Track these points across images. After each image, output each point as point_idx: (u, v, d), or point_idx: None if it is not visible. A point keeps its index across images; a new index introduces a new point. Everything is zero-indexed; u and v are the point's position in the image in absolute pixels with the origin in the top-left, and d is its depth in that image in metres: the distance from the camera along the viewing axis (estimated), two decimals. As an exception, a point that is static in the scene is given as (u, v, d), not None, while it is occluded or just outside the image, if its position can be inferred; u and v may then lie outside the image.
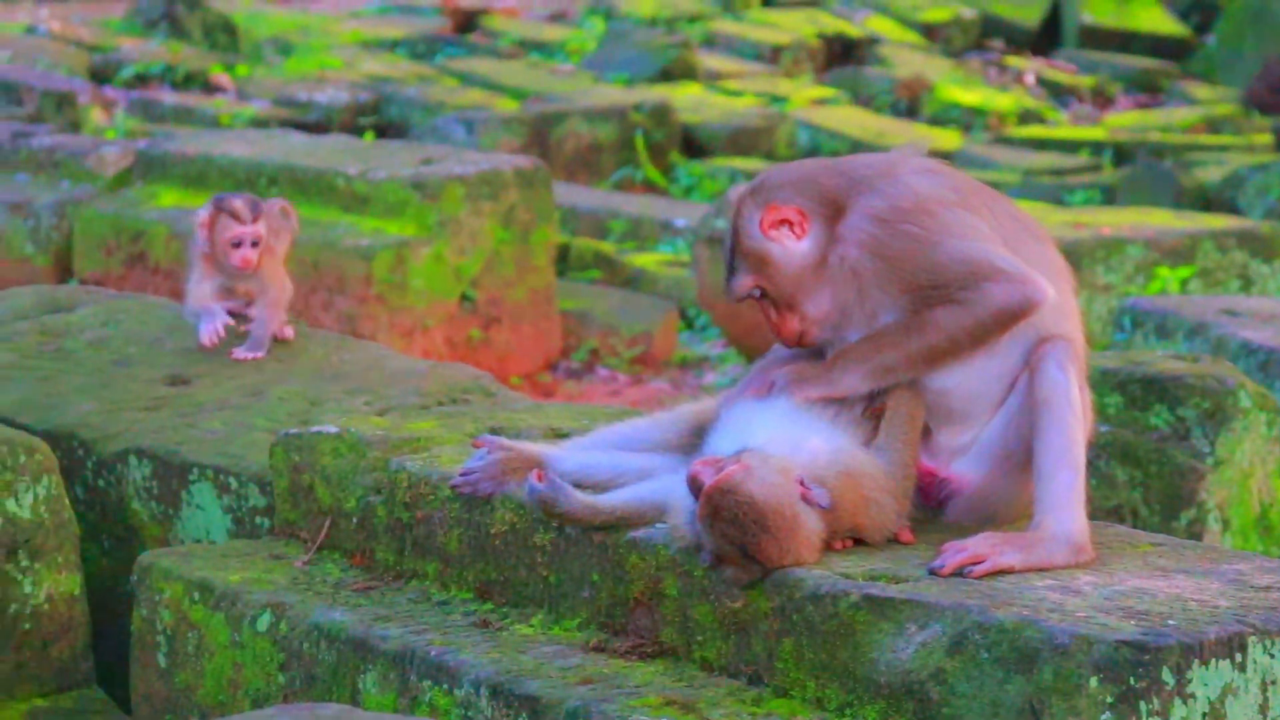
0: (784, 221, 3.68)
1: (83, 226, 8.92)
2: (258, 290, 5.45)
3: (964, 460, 3.73)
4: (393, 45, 17.52)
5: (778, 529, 3.47)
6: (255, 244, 5.34)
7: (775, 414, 3.68)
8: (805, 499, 3.50)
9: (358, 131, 13.58)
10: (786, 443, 3.58)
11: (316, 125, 13.61)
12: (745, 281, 3.72)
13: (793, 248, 3.69)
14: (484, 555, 4.01)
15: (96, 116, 13.00)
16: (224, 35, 16.37)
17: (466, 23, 18.49)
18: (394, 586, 4.14)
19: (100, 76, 15.14)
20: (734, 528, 3.47)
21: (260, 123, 13.52)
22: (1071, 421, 3.59)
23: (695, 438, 3.82)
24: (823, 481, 3.53)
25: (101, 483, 5.00)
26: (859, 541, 3.65)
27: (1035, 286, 3.61)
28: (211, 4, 17.19)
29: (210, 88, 15.14)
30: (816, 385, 3.68)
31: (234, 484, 4.78)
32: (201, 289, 5.46)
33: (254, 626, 4.10)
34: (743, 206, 3.73)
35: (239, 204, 5.34)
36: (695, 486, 3.51)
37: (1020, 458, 3.65)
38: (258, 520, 4.74)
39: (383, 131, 14.02)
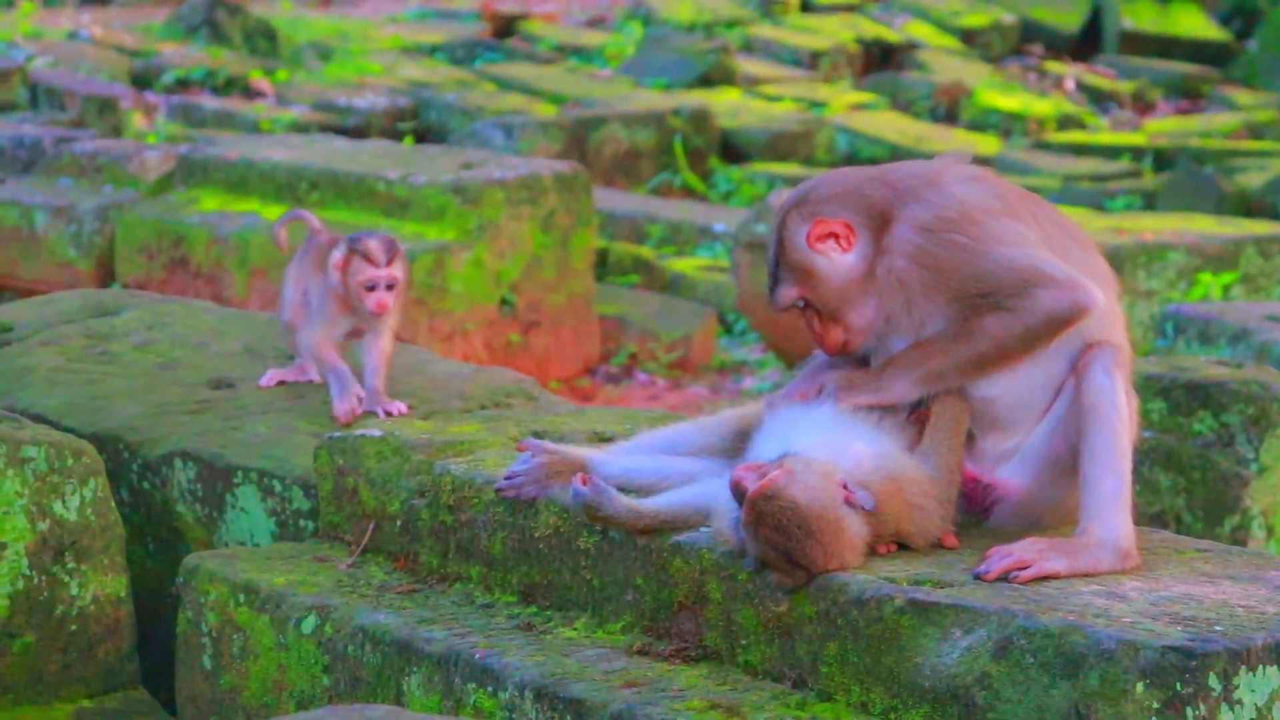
0: (831, 235, 3.68)
1: (124, 231, 8.97)
2: (371, 336, 5.20)
3: (1009, 466, 3.72)
4: (432, 50, 17.56)
5: (821, 533, 3.47)
6: (390, 287, 5.10)
7: (820, 419, 3.68)
8: (849, 502, 3.50)
9: (397, 136, 13.62)
10: (831, 447, 3.59)
11: (356, 130, 13.65)
12: (790, 293, 3.72)
13: (839, 260, 3.68)
14: (528, 558, 4.02)
15: (138, 121, 13.07)
16: (264, 40, 16.44)
17: (505, 28, 18.52)
18: (438, 589, 4.15)
19: (142, 82, 15.21)
20: (778, 533, 3.47)
21: (300, 128, 13.56)
22: (1118, 427, 3.59)
23: (739, 442, 3.82)
24: (867, 485, 3.53)
25: (147, 485, 5.03)
26: (903, 546, 3.65)
27: (1085, 292, 3.61)
28: (252, 9, 17.26)
29: (250, 93, 15.20)
30: (865, 392, 3.68)
31: (278, 487, 4.80)
32: (326, 333, 5.18)
33: (299, 629, 4.12)
34: (788, 218, 3.72)
35: (374, 245, 5.09)
36: (738, 492, 3.51)
37: (1066, 464, 3.64)
38: (302, 523, 4.76)
39: (421, 136, 14.05)
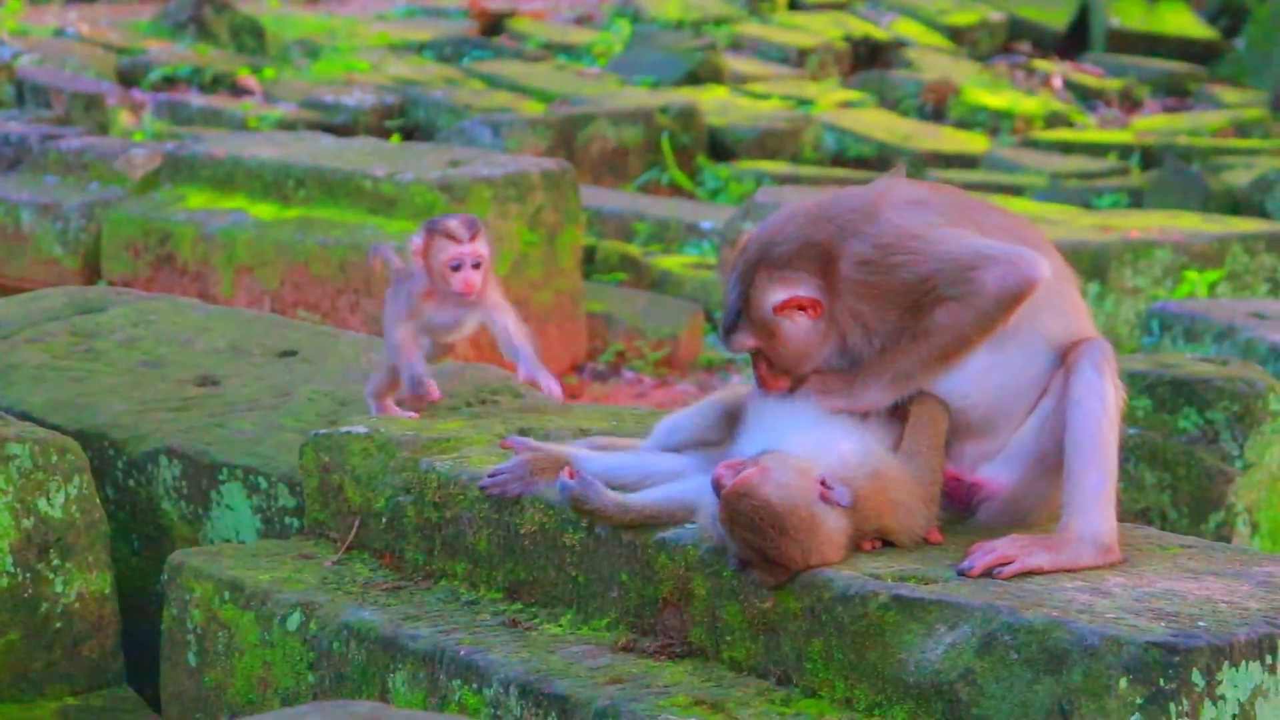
0: (800, 308, 3.70)
1: (111, 228, 8.96)
2: (488, 320, 4.84)
3: (995, 464, 3.72)
4: (419, 48, 17.55)
5: (795, 530, 3.47)
6: (477, 266, 4.74)
7: (806, 414, 3.69)
8: (825, 498, 3.50)
9: (384, 134, 13.61)
10: (816, 444, 3.59)
11: (343, 128, 13.64)
12: (746, 343, 3.75)
13: (803, 324, 3.71)
14: (513, 555, 4.02)
15: (124, 119, 13.06)
16: (251, 38, 16.42)
17: (493, 25, 18.52)
18: (423, 586, 4.15)
19: (128, 79, 15.20)
20: (752, 532, 3.48)
21: (287, 125, 13.55)
22: (1104, 422, 3.59)
23: (728, 428, 3.83)
24: (849, 483, 3.54)
25: (132, 482, 5.02)
26: (887, 543, 3.65)
27: (1029, 263, 3.60)
28: (239, 7, 17.25)
29: (237, 90, 15.19)
30: (839, 398, 3.70)
31: (264, 484, 4.79)
32: (404, 329, 4.83)
33: (284, 626, 4.12)
34: (756, 277, 3.71)
35: (454, 223, 4.75)
36: (718, 490, 3.52)
37: (1053, 460, 3.65)
38: (287, 520, 4.75)
39: (409, 134, 14.05)
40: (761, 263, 3.74)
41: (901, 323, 3.65)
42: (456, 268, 4.73)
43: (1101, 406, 3.60)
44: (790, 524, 3.46)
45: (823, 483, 3.51)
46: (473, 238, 4.73)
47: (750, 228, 4.53)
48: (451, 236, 4.72)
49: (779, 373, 3.76)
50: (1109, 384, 3.62)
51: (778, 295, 3.69)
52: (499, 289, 4.87)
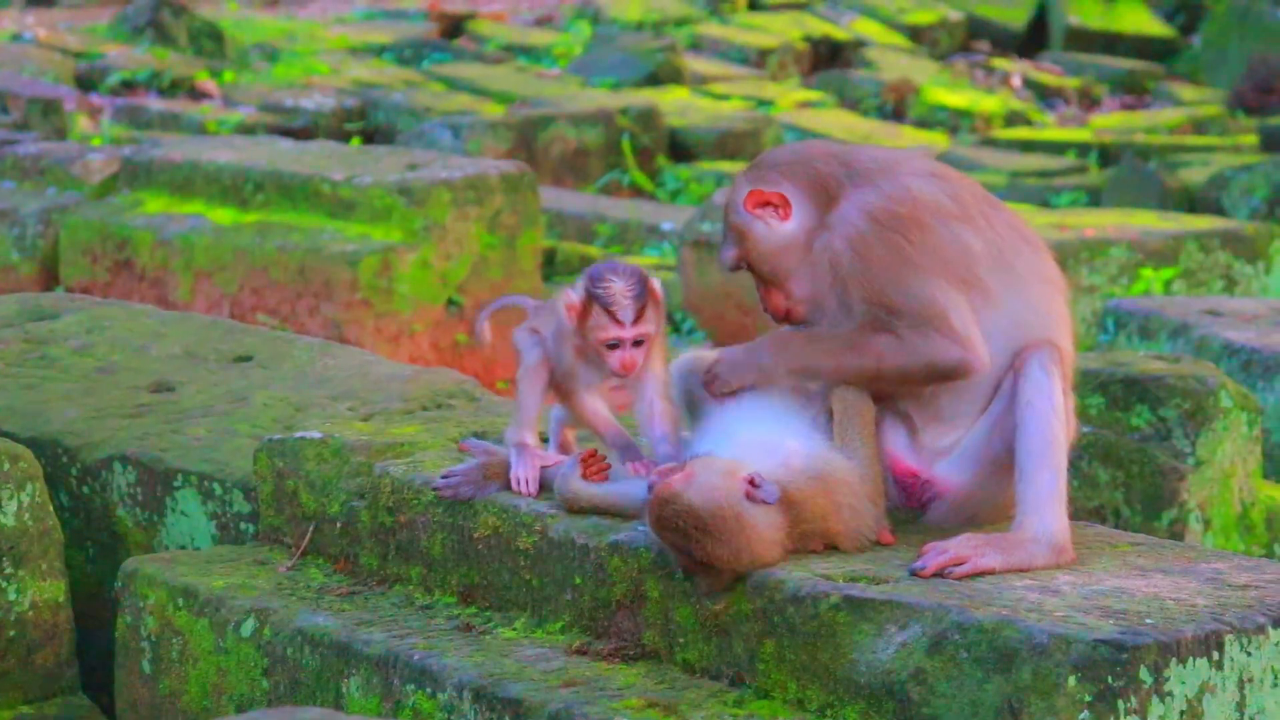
0: (767, 203, 3.72)
1: (68, 234, 8.92)
2: (638, 393, 4.01)
3: (948, 463, 3.74)
4: (379, 51, 17.52)
5: (721, 532, 3.48)
6: (639, 344, 3.93)
7: (757, 414, 3.70)
8: (750, 497, 3.50)
9: (344, 137, 13.59)
10: (762, 444, 3.60)
11: (303, 131, 13.61)
12: (730, 253, 3.81)
13: (776, 228, 3.73)
14: (467, 559, 4.03)
15: (82, 123, 13.01)
16: (210, 41, 16.37)
17: (453, 28, 18.50)
18: (377, 591, 4.15)
19: (86, 83, 15.13)
20: (678, 535, 3.50)
21: (247, 129, 13.52)
22: (1054, 423, 3.61)
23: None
24: (787, 483, 3.54)
25: (86, 489, 5.01)
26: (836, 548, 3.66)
27: (975, 355, 3.64)
28: (198, 10, 17.19)
29: (196, 94, 15.13)
30: (746, 372, 3.73)
31: (218, 490, 4.78)
32: (542, 368, 4.09)
33: (238, 632, 4.11)
34: (737, 181, 3.81)
35: (618, 293, 3.90)
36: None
37: (1004, 461, 3.67)
38: (242, 526, 4.74)
39: (369, 137, 14.02)
40: (746, 171, 3.82)
41: (857, 306, 3.64)
42: (613, 347, 3.94)
43: (1051, 408, 3.61)
44: (714, 526, 3.47)
45: (750, 481, 3.51)
46: (638, 318, 3.90)
47: (709, 229, 4.55)
48: (612, 314, 3.90)
49: (770, 288, 3.77)
50: (1058, 385, 3.64)
51: (744, 191, 3.74)
52: (662, 355, 4.03)
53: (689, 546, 3.49)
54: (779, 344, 3.74)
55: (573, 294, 3.96)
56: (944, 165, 3.83)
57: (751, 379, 3.73)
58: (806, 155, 3.77)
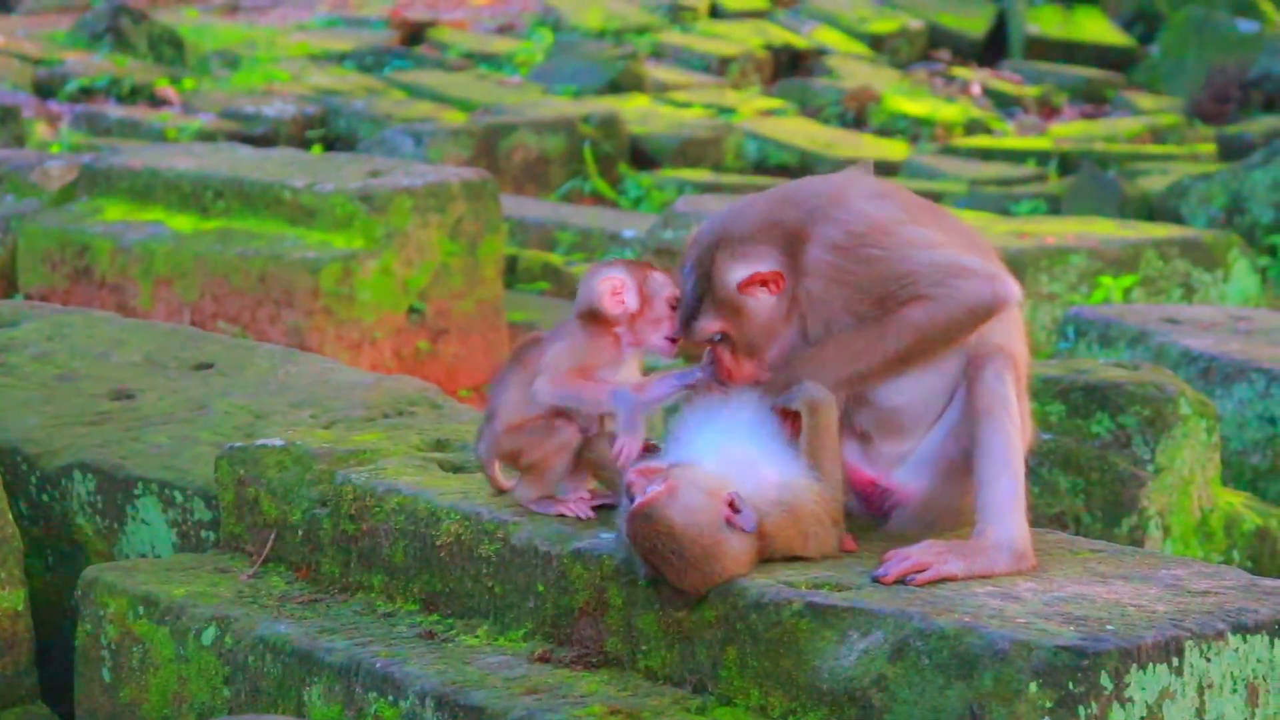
0: (763, 283, 3.69)
1: (27, 241, 8.88)
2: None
3: (906, 470, 3.75)
4: (340, 58, 17.50)
5: (697, 560, 3.48)
6: None
7: (738, 425, 3.68)
8: (730, 521, 3.50)
9: (305, 144, 13.56)
10: (739, 463, 3.59)
11: (263, 138, 13.58)
12: (711, 326, 3.72)
13: (766, 302, 3.70)
14: (429, 567, 4.02)
15: (41, 130, 12.94)
16: (170, 49, 16.31)
17: (414, 35, 18.48)
18: (339, 599, 4.14)
19: (45, 90, 15.07)
20: (654, 555, 3.49)
21: (207, 136, 13.48)
22: (1011, 430, 3.63)
23: None
24: (761, 512, 3.54)
25: (45, 497, 4.98)
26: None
27: (1004, 284, 3.65)
28: (157, 17, 17.14)
29: (156, 101, 15.08)
30: (784, 394, 3.67)
31: (179, 498, 4.77)
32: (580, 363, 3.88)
33: (199, 640, 4.09)
34: (716, 257, 3.70)
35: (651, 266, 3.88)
36: (629, 497, 3.52)
37: (961, 467, 3.68)
38: (203, 534, 4.73)
39: (330, 144, 14.00)
40: (721, 243, 3.72)
41: (867, 313, 3.65)
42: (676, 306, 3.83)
43: (1007, 414, 3.63)
44: (690, 553, 3.47)
45: (731, 504, 3.51)
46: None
47: (671, 236, 4.53)
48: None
49: (744, 358, 3.72)
50: (1012, 392, 3.65)
51: (740, 272, 3.68)
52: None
53: (662, 567, 3.49)
54: (815, 362, 3.68)
55: (607, 276, 3.85)
56: (887, 181, 3.84)
57: (786, 402, 3.66)
58: (769, 214, 3.73)
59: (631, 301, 3.83)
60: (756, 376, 3.74)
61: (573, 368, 3.86)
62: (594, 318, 3.87)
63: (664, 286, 3.85)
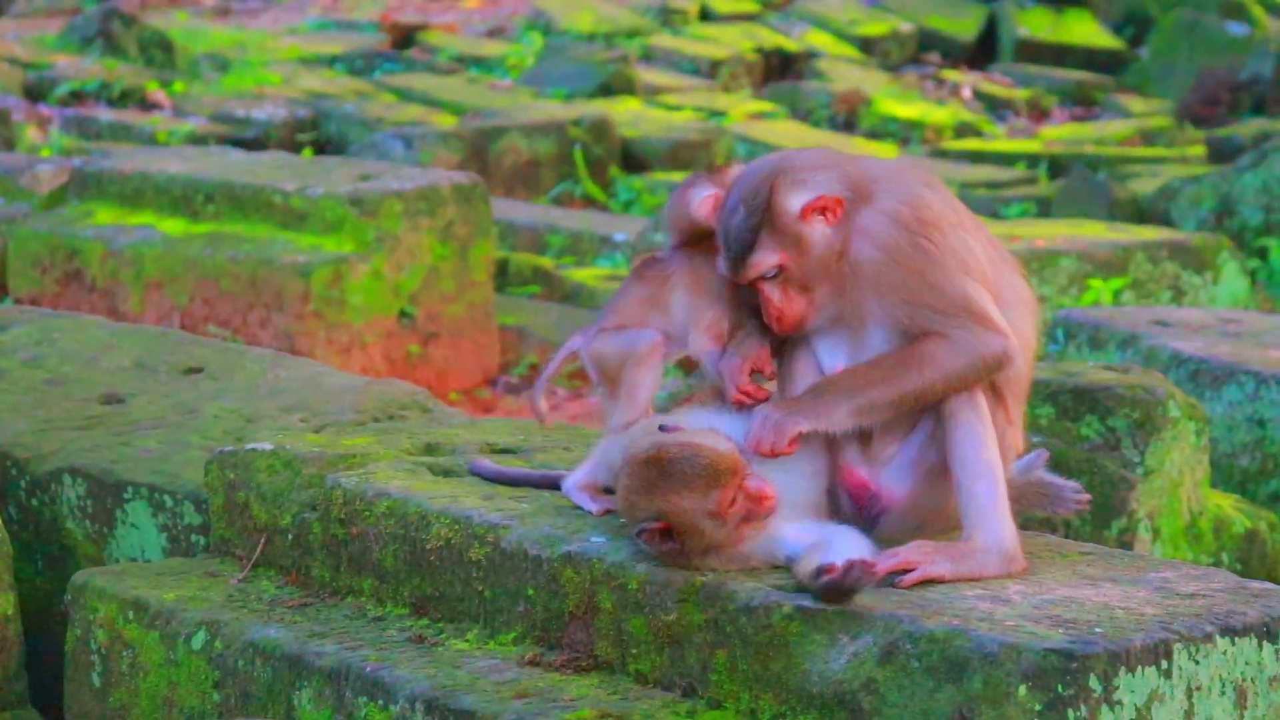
0: (824, 209, 3.65)
1: (17, 245, 8.87)
2: None
3: (890, 474, 3.75)
4: (331, 61, 17.49)
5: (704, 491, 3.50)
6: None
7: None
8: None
9: (296, 148, 13.55)
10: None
11: (254, 142, 13.58)
12: (769, 259, 3.64)
13: (824, 232, 3.65)
14: (419, 571, 4.02)
15: (31, 134, 12.93)
16: (160, 52, 16.30)
17: (405, 38, 18.48)
18: (329, 603, 4.14)
19: (35, 94, 15.05)
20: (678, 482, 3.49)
21: (197, 140, 13.47)
22: (980, 431, 3.62)
23: None
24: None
25: (35, 502, 4.98)
26: None
27: (1013, 344, 3.66)
28: (148, 21, 17.13)
29: (147, 105, 15.07)
30: (807, 418, 3.63)
31: (169, 502, 4.76)
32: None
33: (189, 645, 4.09)
34: (777, 184, 3.65)
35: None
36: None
37: (941, 470, 3.68)
38: (193, 538, 4.73)
39: (321, 148, 14.00)
40: (781, 172, 3.65)
41: (893, 313, 3.62)
42: None
43: (977, 416, 3.63)
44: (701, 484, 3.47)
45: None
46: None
47: (661, 238, 4.49)
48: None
49: (796, 296, 3.65)
50: (979, 393, 3.65)
51: (803, 196, 3.64)
52: None
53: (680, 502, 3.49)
54: (830, 388, 3.65)
55: (696, 192, 3.77)
56: (934, 177, 3.83)
57: (809, 426, 3.63)
58: (832, 160, 3.72)
59: None
60: (804, 319, 3.67)
61: (713, 322, 3.82)
62: (696, 234, 3.78)
63: None
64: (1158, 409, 5.29)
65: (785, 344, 3.77)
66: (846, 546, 3.49)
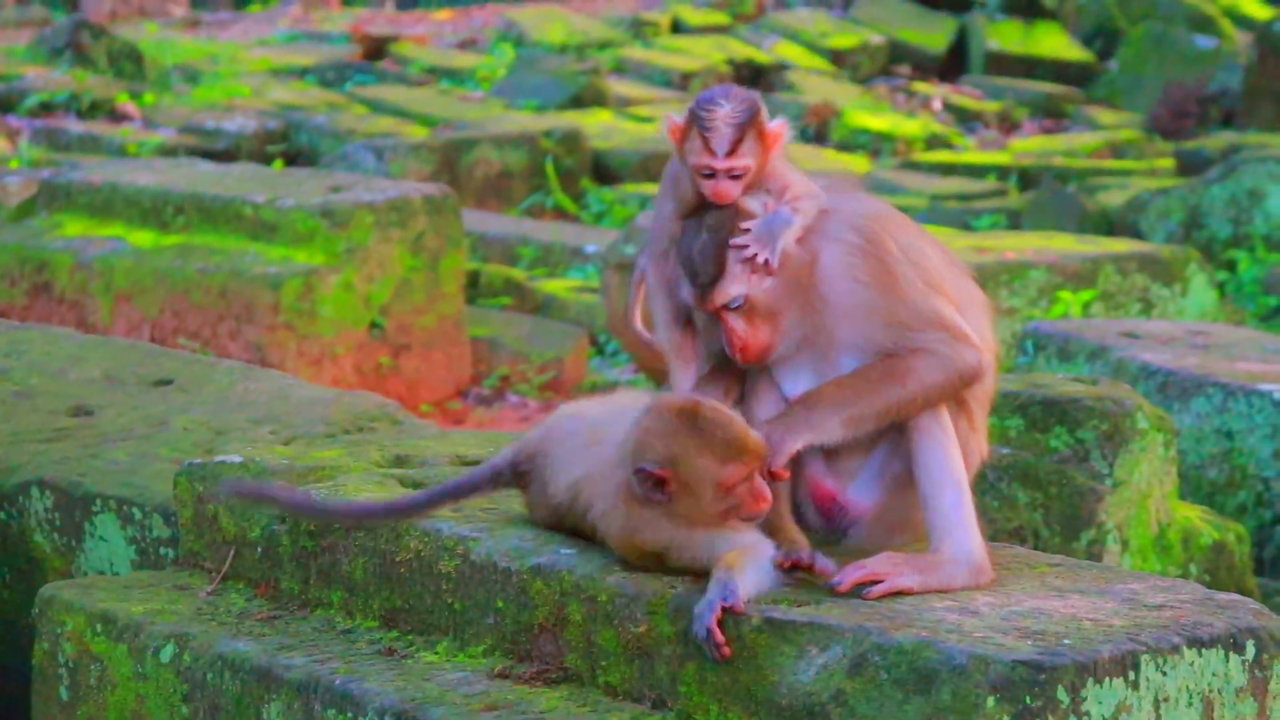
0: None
1: (-14, 256, 8.85)
2: None
3: (857, 485, 3.75)
4: (302, 73, 17.48)
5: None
6: (737, 177, 3.68)
7: None
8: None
9: (266, 159, 13.54)
10: None
11: (224, 153, 13.56)
12: (736, 289, 3.63)
13: (794, 253, 3.66)
14: (389, 583, 4.01)
15: (0, 146, 12.89)
16: (130, 63, 16.27)
17: (376, 50, 18.48)
18: (299, 615, 4.13)
19: (4, 105, 15.01)
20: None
21: (168, 151, 13.45)
22: (944, 441, 3.62)
23: None
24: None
25: (2, 515, 4.96)
26: None
27: (988, 359, 3.68)
28: (117, 32, 17.09)
29: (116, 116, 15.04)
30: (803, 433, 3.62)
31: (138, 515, 4.75)
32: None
33: (157, 658, 4.08)
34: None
35: (719, 120, 3.67)
36: None
37: (906, 480, 3.68)
38: (162, 551, 4.71)
39: (292, 159, 13.98)
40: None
41: (863, 328, 3.62)
42: (709, 176, 3.68)
43: (940, 427, 3.63)
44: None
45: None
46: (733, 150, 3.64)
47: (633, 251, 4.49)
48: (707, 143, 3.65)
49: (761, 324, 3.63)
50: (941, 406, 3.65)
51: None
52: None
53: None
54: (820, 401, 3.64)
55: (675, 118, 3.73)
56: (863, 189, 3.87)
57: (805, 440, 3.61)
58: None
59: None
60: (768, 348, 3.66)
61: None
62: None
63: (697, 149, 3.67)
64: (1126, 421, 5.31)
65: (747, 370, 3.77)
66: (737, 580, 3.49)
